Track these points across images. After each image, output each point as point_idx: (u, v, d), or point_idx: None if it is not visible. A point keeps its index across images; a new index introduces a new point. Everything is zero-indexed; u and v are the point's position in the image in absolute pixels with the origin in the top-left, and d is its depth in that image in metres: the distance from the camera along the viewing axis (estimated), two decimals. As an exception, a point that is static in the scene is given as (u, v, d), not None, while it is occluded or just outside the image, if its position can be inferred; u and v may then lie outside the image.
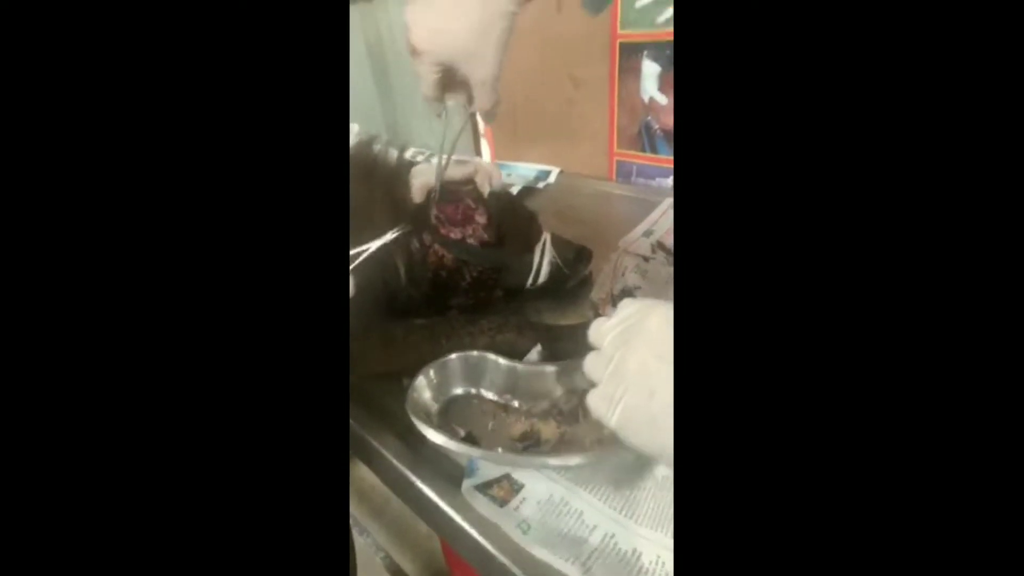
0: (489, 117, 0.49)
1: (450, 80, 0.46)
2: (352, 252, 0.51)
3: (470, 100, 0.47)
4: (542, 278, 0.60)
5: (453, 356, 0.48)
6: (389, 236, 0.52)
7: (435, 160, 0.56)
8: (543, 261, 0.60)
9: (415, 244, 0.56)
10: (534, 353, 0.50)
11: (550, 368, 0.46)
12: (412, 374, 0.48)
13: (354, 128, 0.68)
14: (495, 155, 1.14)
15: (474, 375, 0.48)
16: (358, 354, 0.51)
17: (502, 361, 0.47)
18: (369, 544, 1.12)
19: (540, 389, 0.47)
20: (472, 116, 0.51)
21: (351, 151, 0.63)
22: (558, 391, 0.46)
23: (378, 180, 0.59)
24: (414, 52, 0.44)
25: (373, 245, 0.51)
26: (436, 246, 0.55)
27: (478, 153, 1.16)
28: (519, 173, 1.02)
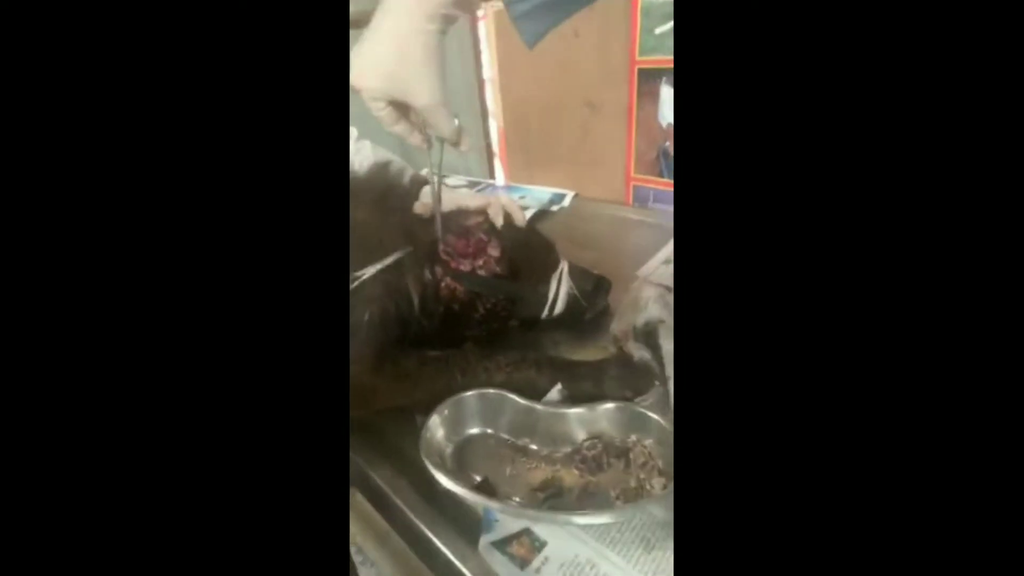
0: (454, 143, 0.45)
1: (401, 111, 0.44)
2: (362, 272, 0.49)
3: (428, 127, 0.45)
4: (558, 309, 0.58)
5: (469, 394, 0.45)
6: (397, 255, 0.50)
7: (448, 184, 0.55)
8: (560, 291, 0.58)
9: (427, 275, 0.54)
10: (554, 392, 0.47)
11: (573, 411, 0.44)
12: (425, 410, 0.46)
13: (369, 152, 0.67)
14: (508, 177, 1.14)
15: (491, 415, 0.45)
16: (370, 388, 0.49)
17: (521, 401, 0.45)
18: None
19: (561, 433, 0.44)
20: (440, 145, 0.48)
21: (366, 175, 0.62)
22: (580, 435, 0.43)
23: (392, 204, 0.57)
24: (355, 90, 0.41)
25: (380, 265, 0.49)
26: (448, 279, 0.53)
27: (491, 176, 1.15)
28: (533, 196, 1.00)
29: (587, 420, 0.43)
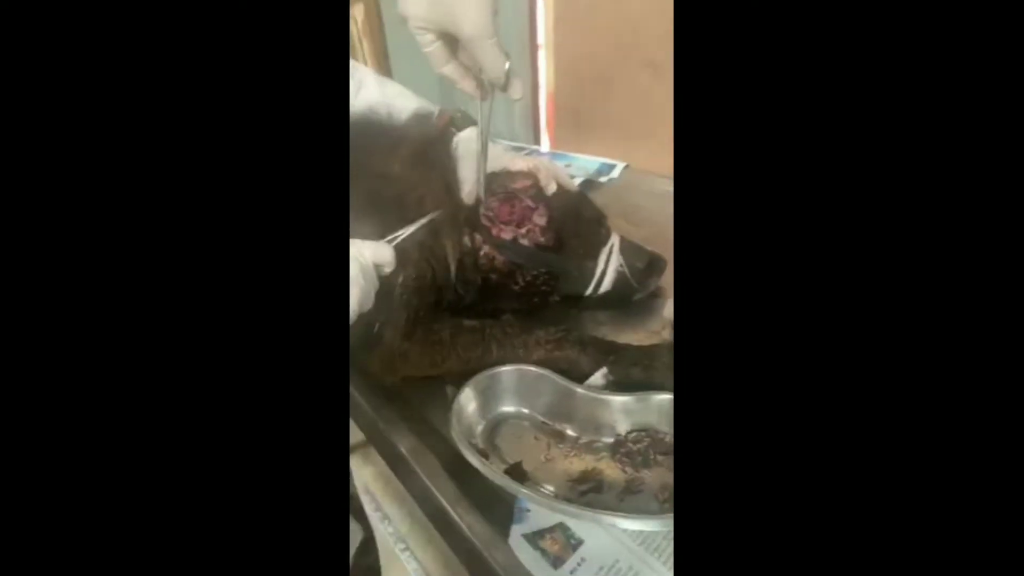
0: (504, 87, 0.39)
1: (452, 49, 0.38)
2: (400, 232, 0.45)
3: (480, 68, 0.39)
4: (605, 286, 0.53)
5: (505, 368, 0.42)
6: (432, 215, 0.46)
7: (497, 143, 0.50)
8: (608, 268, 0.53)
9: (467, 241, 0.49)
10: (599, 376, 0.43)
11: (619, 398, 0.39)
12: (457, 381, 0.43)
13: (411, 102, 0.62)
14: (554, 143, 1.07)
15: (528, 394, 0.42)
16: (401, 353, 0.46)
17: (561, 381, 0.41)
18: (391, 533, 1.09)
19: (604, 421, 0.40)
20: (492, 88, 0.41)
21: (404, 125, 0.58)
22: (625, 426, 0.40)
23: (432, 159, 0.53)
24: (404, 20, 0.37)
25: (416, 225, 0.45)
26: (487, 247, 0.49)
27: (537, 141, 1.08)
28: (579, 165, 0.94)
29: (634, 410, 0.39)
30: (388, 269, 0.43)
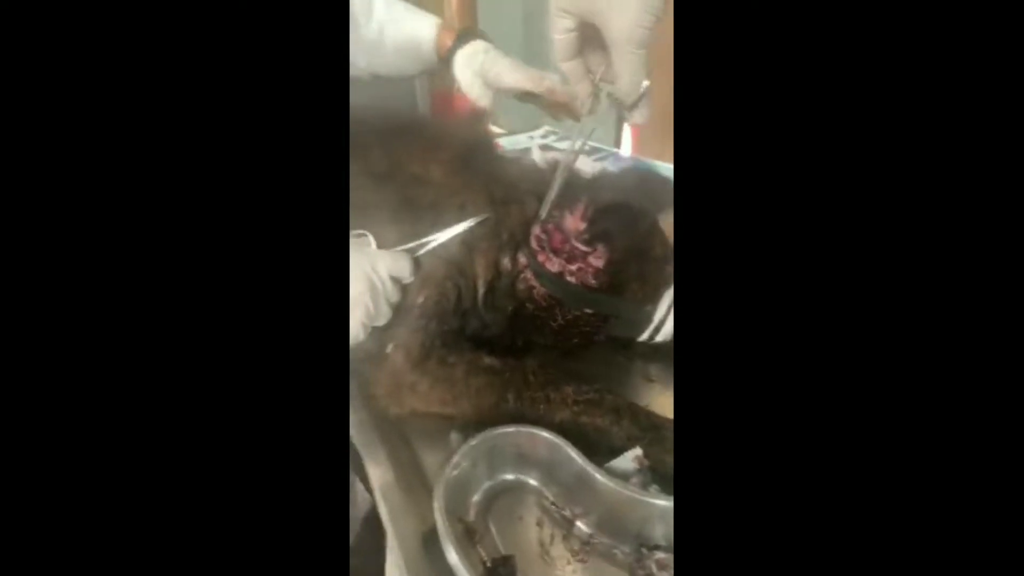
0: (631, 108, 0.33)
1: (583, 45, 0.33)
2: (430, 238, 0.41)
3: (608, 76, 0.33)
4: (663, 335, 0.44)
5: (514, 429, 0.35)
6: (469, 223, 0.40)
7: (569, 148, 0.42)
8: (669, 315, 0.43)
9: (506, 262, 0.43)
10: (630, 457, 0.34)
11: (653, 501, 0.31)
12: (466, 429, 0.37)
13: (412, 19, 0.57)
14: (636, 149, 0.96)
15: (539, 465, 0.35)
16: (408, 385, 0.41)
17: (579, 460, 0.33)
18: None
19: (627, 523, 0.31)
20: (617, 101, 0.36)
21: (446, 123, 0.52)
22: (657, 535, 0.31)
23: (478, 163, 0.46)
24: None
25: (443, 236, 0.40)
26: (529, 272, 0.42)
27: (617, 144, 0.98)
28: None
29: (669, 519, 0.30)
30: (406, 281, 0.39)
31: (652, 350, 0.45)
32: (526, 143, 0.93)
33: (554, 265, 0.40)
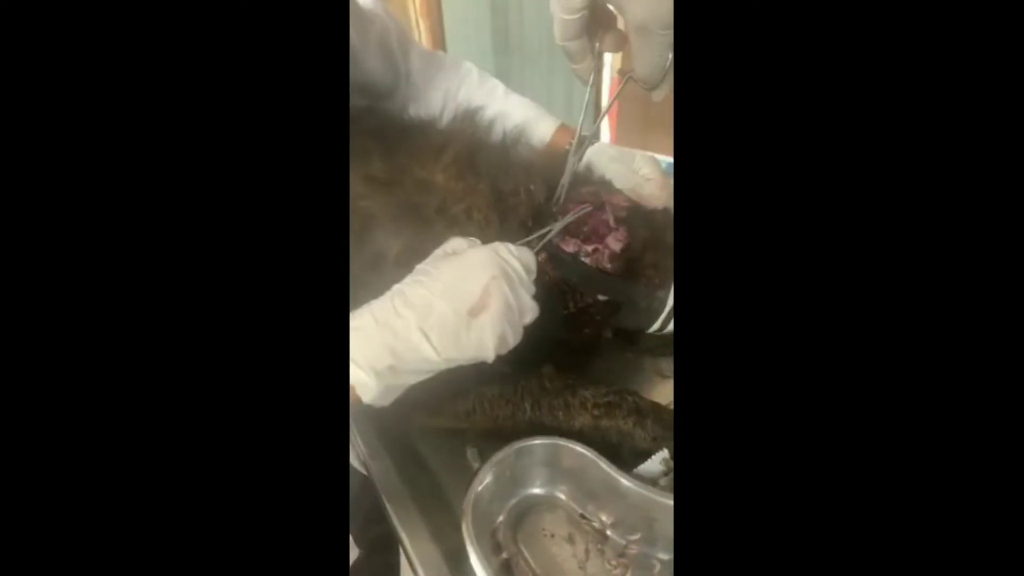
0: (654, 88, 0.33)
1: (597, 20, 0.32)
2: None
3: (624, 58, 0.33)
4: (673, 325, 0.43)
5: (536, 442, 0.33)
6: (572, 216, 0.39)
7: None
8: (679, 302, 0.43)
9: None
10: (657, 461, 0.33)
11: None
12: (482, 444, 0.35)
13: (470, 80, 0.54)
14: (615, 138, 0.95)
15: (565, 477, 0.33)
16: (418, 399, 0.39)
17: (604, 467, 0.31)
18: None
19: (660, 527, 0.30)
20: (625, 82, 0.36)
21: (448, 126, 0.49)
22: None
23: (480, 165, 0.44)
24: None
25: (557, 227, 0.38)
26: (542, 256, 0.40)
27: (596, 135, 0.97)
28: (644, 164, 0.82)
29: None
30: (533, 276, 0.35)
31: (661, 344, 0.44)
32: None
33: (569, 245, 0.39)
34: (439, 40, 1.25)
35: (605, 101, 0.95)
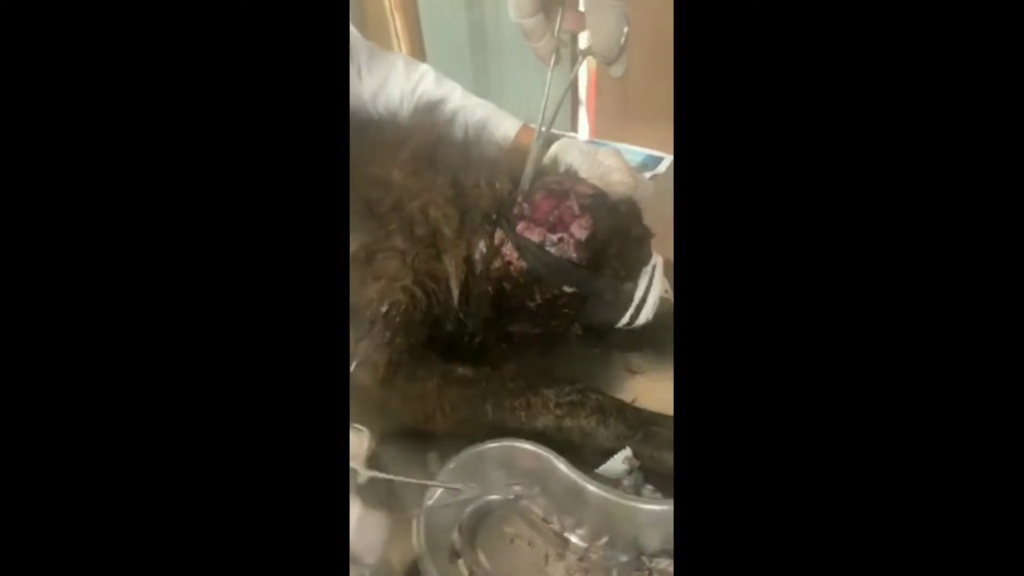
0: (611, 63, 0.33)
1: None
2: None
3: (580, 28, 0.33)
4: (643, 317, 0.42)
5: (493, 444, 0.32)
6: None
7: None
8: (649, 294, 0.42)
9: (481, 248, 0.40)
10: (619, 460, 0.32)
11: (643, 506, 0.29)
12: (444, 447, 0.34)
13: (426, 80, 0.53)
14: (594, 131, 0.94)
15: (524, 479, 0.32)
16: (378, 402, 0.38)
17: (564, 470, 0.31)
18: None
19: (623, 531, 0.29)
20: (582, 59, 0.36)
21: (408, 121, 0.48)
22: (655, 542, 0.29)
23: (440, 161, 0.43)
24: None
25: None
26: (508, 246, 0.39)
27: (574, 127, 0.96)
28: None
29: (663, 522, 0.29)
30: None
31: (630, 339, 0.43)
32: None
33: (535, 234, 0.38)
34: (415, 35, 1.23)
35: (583, 96, 0.94)
